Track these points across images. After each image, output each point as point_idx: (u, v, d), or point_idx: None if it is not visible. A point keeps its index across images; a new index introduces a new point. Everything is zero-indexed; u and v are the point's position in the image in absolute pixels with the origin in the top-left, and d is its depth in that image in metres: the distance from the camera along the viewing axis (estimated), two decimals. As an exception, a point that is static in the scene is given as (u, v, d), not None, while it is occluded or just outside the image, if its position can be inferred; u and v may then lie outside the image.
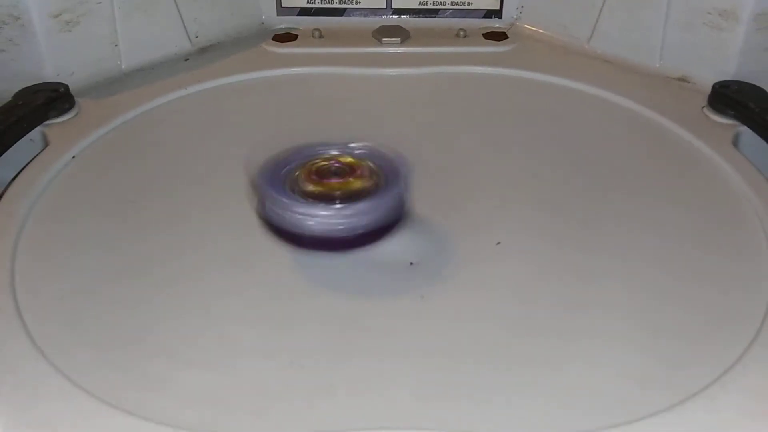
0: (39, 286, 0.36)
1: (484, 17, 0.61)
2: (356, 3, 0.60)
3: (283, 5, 0.60)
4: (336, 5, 0.60)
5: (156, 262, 0.38)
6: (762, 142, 0.46)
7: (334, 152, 0.38)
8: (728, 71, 0.51)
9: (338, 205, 0.35)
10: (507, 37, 0.59)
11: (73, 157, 0.45)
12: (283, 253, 0.38)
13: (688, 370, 0.33)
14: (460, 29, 0.59)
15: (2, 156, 0.44)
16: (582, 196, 0.43)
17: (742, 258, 0.39)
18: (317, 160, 0.37)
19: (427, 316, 0.35)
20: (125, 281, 0.37)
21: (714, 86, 0.50)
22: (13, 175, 0.44)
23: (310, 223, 0.35)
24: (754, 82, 0.50)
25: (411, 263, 0.38)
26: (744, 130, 0.48)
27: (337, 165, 0.37)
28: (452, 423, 0.31)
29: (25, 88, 0.49)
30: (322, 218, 0.35)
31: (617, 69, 0.55)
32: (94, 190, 0.43)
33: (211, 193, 0.43)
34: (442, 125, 0.49)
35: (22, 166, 0.44)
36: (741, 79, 0.51)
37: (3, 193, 0.42)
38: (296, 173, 0.37)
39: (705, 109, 0.49)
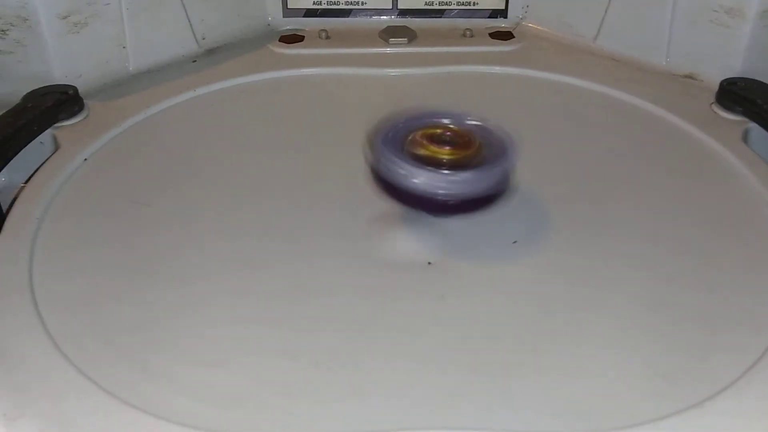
0: (57, 287, 0.36)
1: (490, 17, 0.61)
2: (362, 4, 0.60)
3: (289, 6, 0.60)
4: (342, 6, 0.60)
5: (167, 263, 0.38)
6: (772, 138, 0.46)
7: (450, 123, 0.40)
8: (735, 68, 0.52)
9: (445, 171, 0.37)
10: (513, 37, 0.59)
11: (85, 159, 0.45)
12: (292, 256, 0.39)
13: (712, 366, 0.33)
14: (466, 29, 0.59)
15: (14, 159, 0.44)
16: (592, 194, 0.43)
17: (756, 252, 0.39)
18: (432, 127, 0.39)
19: (448, 316, 0.36)
20: (140, 282, 0.37)
21: (722, 83, 0.50)
22: (25, 178, 0.44)
23: (415, 181, 0.37)
24: (760, 79, 0.50)
25: (429, 263, 0.38)
26: (753, 126, 0.48)
27: (449, 134, 0.39)
28: (474, 423, 0.31)
29: (34, 90, 0.49)
30: (426, 179, 0.37)
31: (624, 67, 0.55)
32: (106, 192, 0.43)
33: (221, 194, 0.43)
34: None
35: (34, 169, 0.44)
36: (748, 76, 0.51)
37: (17, 196, 0.42)
38: (410, 136, 0.39)
39: (713, 106, 0.50)
